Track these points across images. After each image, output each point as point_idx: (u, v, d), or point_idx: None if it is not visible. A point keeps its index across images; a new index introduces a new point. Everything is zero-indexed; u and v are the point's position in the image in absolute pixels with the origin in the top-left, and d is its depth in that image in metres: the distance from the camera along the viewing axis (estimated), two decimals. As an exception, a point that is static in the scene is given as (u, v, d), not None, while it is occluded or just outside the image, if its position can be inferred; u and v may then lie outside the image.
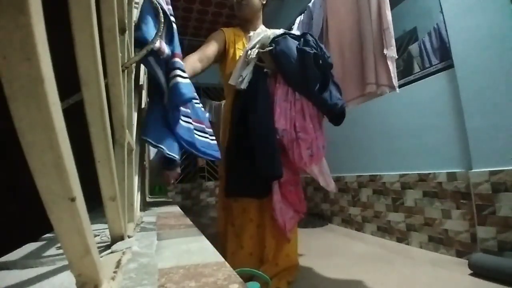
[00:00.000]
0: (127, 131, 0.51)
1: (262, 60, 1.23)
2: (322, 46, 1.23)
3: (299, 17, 1.88)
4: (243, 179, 1.19)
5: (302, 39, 1.20)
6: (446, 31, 1.62)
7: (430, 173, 1.69)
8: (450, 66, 1.62)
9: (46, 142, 0.19)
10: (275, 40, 1.19)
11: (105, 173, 0.36)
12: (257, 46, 1.23)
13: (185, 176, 4.61)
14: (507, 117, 1.34)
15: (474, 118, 1.47)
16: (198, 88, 4.78)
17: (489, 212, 1.35)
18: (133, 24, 0.74)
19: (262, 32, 1.25)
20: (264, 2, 1.43)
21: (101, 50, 0.33)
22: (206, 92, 4.78)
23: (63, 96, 0.28)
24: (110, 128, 0.35)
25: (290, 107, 1.19)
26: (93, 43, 0.29)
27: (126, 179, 0.49)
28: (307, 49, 1.13)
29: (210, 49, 1.38)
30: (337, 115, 1.22)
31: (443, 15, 1.64)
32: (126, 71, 0.54)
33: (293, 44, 1.18)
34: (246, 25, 1.46)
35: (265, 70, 1.23)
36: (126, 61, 0.55)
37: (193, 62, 1.25)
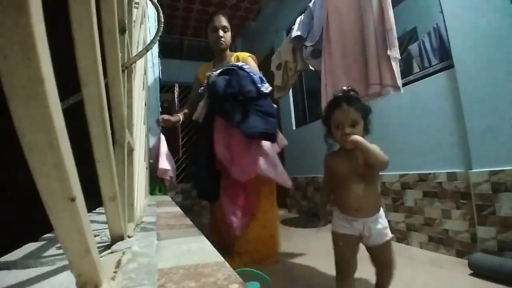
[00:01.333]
0: (127, 131, 0.51)
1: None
2: (251, 79, 1.46)
3: (300, 17, 1.88)
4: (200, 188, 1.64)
5: (229, 78, 1.46)
6: (446, 31, 1.62)
7: (430, 173, 1.69)
8: (450, 66, 1.62)
9: (46, 142, 0.19)
10: (212, 81, 1.49)
11: (105, 173, 0.36)
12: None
13: (185, 176, 4.61)
14: (507, 117, 1.33)
15: (474, 118, 1.47)
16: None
17: (489, 212, 1.35)
18: (133, 24, 0.74)
19: (208, 75, 1.58)
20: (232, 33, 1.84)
21: (101, 50, 0.33)
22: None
23: (63, 96, 0.28)
24: (110, 128, 0.35)
25: (225, 135, 1.45)
26: (93, 43, 0.29)
27: (126, 179, 0.49)
28: (227, 89, 1.42)
29: (194, 97, 1.86)
30: (266, 137, 1.43)
31: (443, 15, 1.64)
32: (126, 71, 0.54)
33: (220, 83, 1.45)
34: (218, 55, 1.90)
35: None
36: (126, 61, 0.55)
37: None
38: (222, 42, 1.79)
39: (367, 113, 1.12)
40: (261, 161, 1.47)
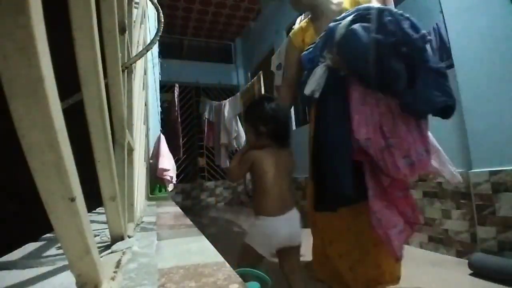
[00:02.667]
0: (127, 131, 0.51)
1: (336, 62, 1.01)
2: (410, 23, 0.91)
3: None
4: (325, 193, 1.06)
5: (377, 23, 0.92)
6: (446, 31, 1.62)
7: (430, 173, 1.69)
8: (450, 66, 1.62)
9: (46, 142, 0.19)
10: (342, 34, 0.95)
11: (105, 173, 0.36)
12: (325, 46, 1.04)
13: (185, 176, 4.62)
14: (507, 117, 1.34)
15: (474, 118, 1.47)
16: (198, 88, 4.80)
17: (489, 212, 1.35)
18: (133, 24, 0.74)
19: (329, 28, 1.02)
20: None
21: (101, 50, 0.33)
22: (206, 92, 4.78)
23: (63, 96, 0.28)
24: (110, 128, 0.35)
25: (372, 111, 0.95)
26: (93, 43, 0.29)
27: (126, 179, 0.49)
28: (381, 38, 0.89)
29: (293, 75, 1.34)
30: (440, 111, 0.94)
31: (443, 15, 1.64)
32: (126, 71, 0.54)
33: (363, 33, 0.91)
34: (312, 13, 1.24)
35: (341, 73, 1.01)
36: (126, 61, 0.55)
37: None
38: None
39: (253, 119, 1.03)
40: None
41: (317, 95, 1.03)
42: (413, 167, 0.91)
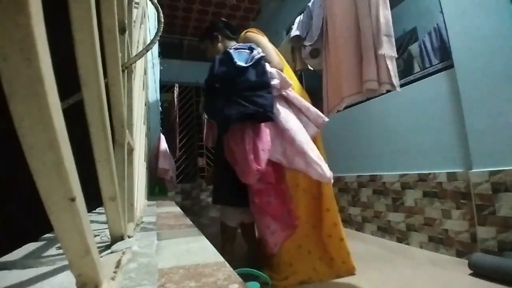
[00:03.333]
0: (127, 131, 0.51)
1: None
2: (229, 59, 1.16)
3: (299, 17, 1.88)
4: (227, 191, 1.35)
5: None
6: (446, 31, 1.62)
7: (430, 173, 1.69)
8: (450, 66, 1.62)
9: (46, 142, 0.19)
10: None
11: (105, 173, 0.36)
12: None
13: (185, 176, 4.62)
14: (507, 117, 1.33)
15: (474, 118, 1.47)
16: (198, 88, 4.79)
17: (489, 212, 1.35)
18: (133, 24, 0.74)
19: None
20: (216, 40, 1.55)
21: (101, 50, 0.33)
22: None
23: (63, 96, 0.28)
24: (110, 128, 0.35)
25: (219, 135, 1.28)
26: (93, 43, 0.29)
27: (126, 179, 0.49)
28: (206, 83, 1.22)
29: None
30: (255, 119, 1.12)
31: (443, 15, 1.64)
32: (126, 71, 0.54)
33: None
34: None
35: None
36: (126, 61, 0.55)
37: None
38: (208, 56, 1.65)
39: None
40: (279, 151, 1.16)
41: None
42: (243, 173, 1.11)
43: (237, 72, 1.11)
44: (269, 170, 1.14)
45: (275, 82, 1.17)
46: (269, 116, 1.08)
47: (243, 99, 1.09)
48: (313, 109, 1.22)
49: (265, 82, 1.13)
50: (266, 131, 1.14)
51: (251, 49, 1.20)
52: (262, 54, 1.18)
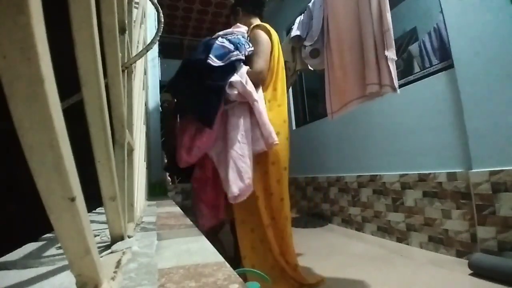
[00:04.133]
0: (127, 131, 0.51)
1: None
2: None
3: (299, 17, 1.88)
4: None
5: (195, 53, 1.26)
6: (446, 31, 1.62)
7: (430, 173, 1.69)
8: (450, 66, 1.62)
9: (46, 142, 0.19)
10: None
11: (105, 173, 0.36)
12: None
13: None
14: (507, 117, 1.33)
15: (474, 118, 1.47)
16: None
17: (489, 212, 1.35)
18: (133, 24, 0.74)
19: None
20: (237, 15, 1.55)
21: (101, 50, 0.33)
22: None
23: (63, 96, 0.28)
24: (110, 128, 0.35)
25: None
26: (93, 43, 0.29)
27: (126, 179, 0.49)
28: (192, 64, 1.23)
29: None
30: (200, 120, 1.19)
31: (443, 15, 1.64)
32: (126, 71, 0.54)
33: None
34: None
35: None
36: (126, 61, 0.55)
37: None
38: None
39: None
40: (201, 153, 1.23)
41: None
42: (179, 158, 1.26)
43: (205, 67, 1.12)
44: (207, 163, 1.27)
45: (232, 92, 1.15)
46: (208, 124, 1.13)
47: (198, 96, 1.13)
48: (269, 127, 1.20)
49: (221, 88, 1.13)
50: (210, 131, 1.17)
51: (236, 47, 1.20)
52: (239, 56, 1.18)
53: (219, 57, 1.15)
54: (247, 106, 1.21)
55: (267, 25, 1.49)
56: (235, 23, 1.51)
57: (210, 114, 1.12)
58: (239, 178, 1.13)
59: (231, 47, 1.19)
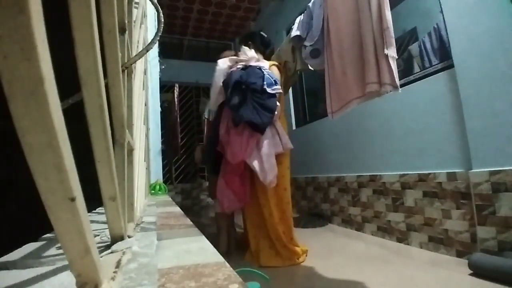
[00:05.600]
0: (127, 131, 0.51)
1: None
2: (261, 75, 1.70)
3: (299, 17, 1.88)
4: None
5: (244, 69, 1.74)
6: (446, 31, 1.62)
7: (430, 173, 1.69)
8: (450, 66, 1.62)
9: (46, 142, 0.19)
10: (230, 72, 1.78)
11: (105, 173, 0.36)
12: None
13: (185, 176, 4.62)
14: (507, 117, 1.33)
15: (474, 118, 1.47)
16: (198, 88, 4.80)
17: (489, 212, 1.35)
18: (133, 24, 0.74)
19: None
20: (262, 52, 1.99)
21: (101, 50, 0.33)
22: (206, 92, 4.78)
23: (63, 96, 0.28)
24: (110, 128, 0.35)
25: (228, 119, 1.70)
26: (93, 43, 0.29)
27: (126, 179, 0.49)
28: (241, 78, 1.66)
29: None
30: (253, 126, 1.59)
31: (443, 15, 1.64)
32: (126, 71, 0.54)
33: (237, 74, 1.70)
34: None
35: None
36: (126, 61, 0.55)
37: None
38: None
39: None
40: (252, 151, 1.61)
41: (213, 108, 1.89)
42: (233, 155, 1.60)
43: (261, 90, 1.62)
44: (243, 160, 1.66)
45: (276, 111, 1.68)
46: (261, 131, 1.61)
47: (256, 109, 1.59)
48: (286, 137, 1.74)
49: (273, 109, 1.64)
50: (258, 136, 1.64)
51: (275, 82, 1.70)
52: (279, 91, 1.70)
53: (268, 85, 1.64)
54: (273, 121, 1.70)
55: (277, 64, 1.93)
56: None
57: (265, 124, 1.59)
58: (272, 169, 1.60)
59: (274, 80, 1.69)
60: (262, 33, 2.06)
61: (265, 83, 1.62)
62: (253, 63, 1.76)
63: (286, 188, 1.76)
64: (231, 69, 1.77)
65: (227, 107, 1.70)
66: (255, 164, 1.59)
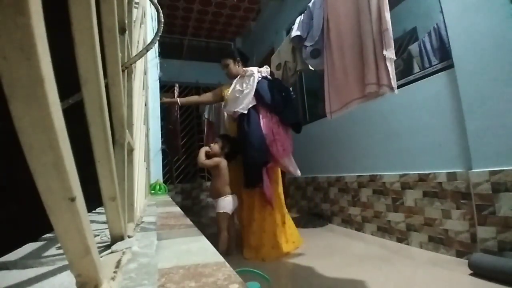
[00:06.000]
0: (127, 131, 0.51)
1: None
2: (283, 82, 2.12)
3: (299, 17, 1.88)
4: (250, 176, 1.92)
5: (273, 81, 2.09)
6: (446, 31, 1.62)
7: (430, 173, 1.69)
8: (450, 66, 1.62)
9: (46, 142, 0.19)
10: (258, 81, 2.04)
11: (105, 173, 0.36)
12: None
13: (185, 176, 4.62)
14: (507, 117, 1.33)
15: (474, 118, 1.47)
16: (198, 88, 4.80)
17: (489, 212, 1.35)
18: (133, 24, 0.74)
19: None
20: (239, 66, 2.23)
21: (101, 50, 0.33)
22: (206, 92, 4.78)
23: (63, 96, 0.28)
24: (110, 128, 0.35)
25: (269, 121, 1.95)
26: (93, 43, 0.29)
27: (126, 179, 0.49)
28: (274, 88, 2.00)
29: (209, 99, 2.45)
30: (294, 127, 2.01)
31: (443, 15, 1.64)
32: (126, 71, 0.54)
33: (265, 83, 2.03)
34: (232, 79, 2.26)
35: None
36: (126, 61, 0.55)
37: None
38: (227, 74, 2.28)
39: (225, 144, 2.03)
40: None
41: (245, 111, 1.99)
42: (284, 152, 1.88)
43: (292, 99, 2.04)
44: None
45: None
46: (299, 131, 2.05)
47: (295, 112, 2.07)
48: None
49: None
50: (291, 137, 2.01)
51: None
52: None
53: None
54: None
55: None
56: (235, 68, 2.21)
57: (301, 125, 2.04)
58: (295, 165, 1.95)
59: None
60: (238, 48, 2.52)
61: (292, 93, 2.05)
62: (264, 74, 2.10)
63: (277, 180, 2.13)
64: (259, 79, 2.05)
65: (264, 109, 1.97)
66: (285, 161, 1.90)
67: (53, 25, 0.31)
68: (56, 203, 0.21)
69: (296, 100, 3.50)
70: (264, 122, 1.93)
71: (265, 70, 2.15)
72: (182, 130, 4.51)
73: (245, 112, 1.97)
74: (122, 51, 0.53)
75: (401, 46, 2.47)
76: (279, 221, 1.93)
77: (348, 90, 1.40)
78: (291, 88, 2.05)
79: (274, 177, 2.04)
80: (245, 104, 1.98)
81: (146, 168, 1.55)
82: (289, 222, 2.03)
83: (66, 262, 0.39)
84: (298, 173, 1.92)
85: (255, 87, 1.99)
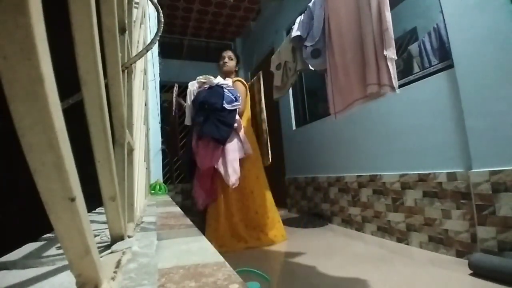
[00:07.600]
0: (127, 131, 0.51)
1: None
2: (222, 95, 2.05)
3: (299, 17, 1.88)
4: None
5: (208, 92, 2.06)
6: (446, 31, 1.62)
7: (430, 173, 1.69)
8: (450, 66, 1.61)
9: (46, 142, 0.19)
10: (198, 91, 2.13)
11: (105, 173, 0.36)
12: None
13: (185, 176, 4.61)
14: (507, 117, 1.33)
15: (474, 118, 1.47)
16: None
17: (489, 212, 1.35)
18: (133, 24, 0.74)
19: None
20: (237, 69, 2.36)
21: (101, 50, 0.33)
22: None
23: (63, 96, 0.28)
24: (110, 128, 0.35)
25: (197, 134, 2.02)
26: (93, 43, 0.29)
27: (126, 179, 0.49)
28: (201, 100, 2.00)
29: None
30: (215, 140, 1.95)
31: (443, 15, 1.64)
32: (126, 71, 0.54)
33: (202, 94, 2.05)
34: (223, 76, 2.29)
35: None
36: (126, 61, 0.55)
37: None
38: (226, 65, 2.30)
39: None
40: (218, 158, 1.98)
41: (188, 122, 2.20)
42: (202, 163, 1.97)
43: (221, 108, 1.92)
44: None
45: (235, 125, 2.02)
46: (222, 143, 1.94)
47: (216, 125, 1.90)
48: (247, 144, 2.09)
49: (232, 123, 1.97)
50: (221, 147, 1.97)
51: (236, 99, 2.00)
52: (239, 106, 2.01)
53: (227, 103, 1.94)
54: (235, 131, 2.05)
55: (241, 79, 2.33)
56: (232, 68, 2.32)
57: (224, 138, 1.93)
58: (235, 173, 1.95)
59: (234, 97, 1.99)
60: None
61: (224, 101, 1.93)
62: (215, 82, 2.07)
63: (247, 187, 2.17)
64: (199, 89, 2.11)
65: (195, 123, 2.03)
66: (221, 169, 1.97)
67: (53, 25, 0.31)
68: (56, 203, 0.21)
69: (296, 100, 3.52)
70: (195, 135, 2.07)
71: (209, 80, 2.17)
72: (182, 130, 4.51)
73: (189, 124, 2.17)
74: (122, 51, 0.53)
75: (401, 46, 2.46)
76: (265, 202, 2.13)
77: (350, 90, 1.40)
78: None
79: (247, 165, 2.13)
80: (186, 117, 2.20)
81: (146, 168, 1.55)
82: (275, 215, 2.17)
83: (66, 262, 0.39)
84: (230, 182, 1.93)
85: (187, 100, 2.18)
